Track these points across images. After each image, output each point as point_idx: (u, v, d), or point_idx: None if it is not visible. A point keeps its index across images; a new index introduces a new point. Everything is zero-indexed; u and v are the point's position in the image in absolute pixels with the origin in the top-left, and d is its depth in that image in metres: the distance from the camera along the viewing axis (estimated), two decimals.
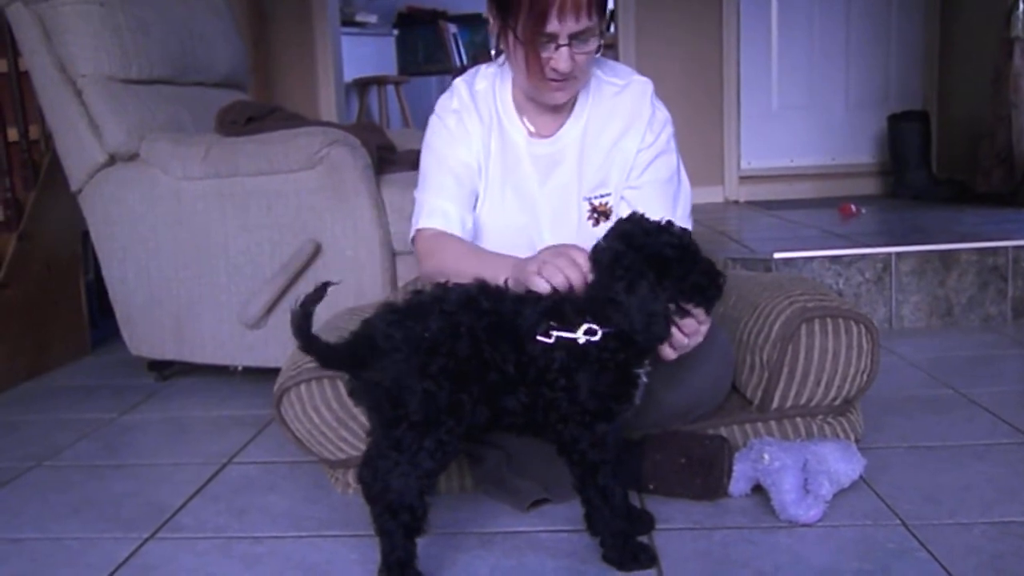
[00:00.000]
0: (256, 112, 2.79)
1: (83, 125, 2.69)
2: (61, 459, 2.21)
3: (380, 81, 6.73)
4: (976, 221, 3.69)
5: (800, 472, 1.66)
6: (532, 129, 1.89)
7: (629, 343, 1.46)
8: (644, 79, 1.91)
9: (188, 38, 3.01)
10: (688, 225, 1.87)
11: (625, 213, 1.80)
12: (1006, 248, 3.10)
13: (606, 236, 1.50)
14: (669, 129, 1.90)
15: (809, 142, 5.18)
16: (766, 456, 1.69)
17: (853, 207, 4.17)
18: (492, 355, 1.42)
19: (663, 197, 1.86)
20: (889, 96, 5.13)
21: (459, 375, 1.41)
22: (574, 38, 1.68)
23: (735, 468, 1.74)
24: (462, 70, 5.98)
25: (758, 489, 1.73)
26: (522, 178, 1.89)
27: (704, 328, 1.54)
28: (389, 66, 7.37)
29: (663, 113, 1.90)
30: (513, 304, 1.47)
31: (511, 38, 1.71)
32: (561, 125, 1.89)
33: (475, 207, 1.90)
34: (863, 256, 3.11)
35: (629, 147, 1.87)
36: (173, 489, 1.97)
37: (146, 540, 1.72)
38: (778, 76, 5.16)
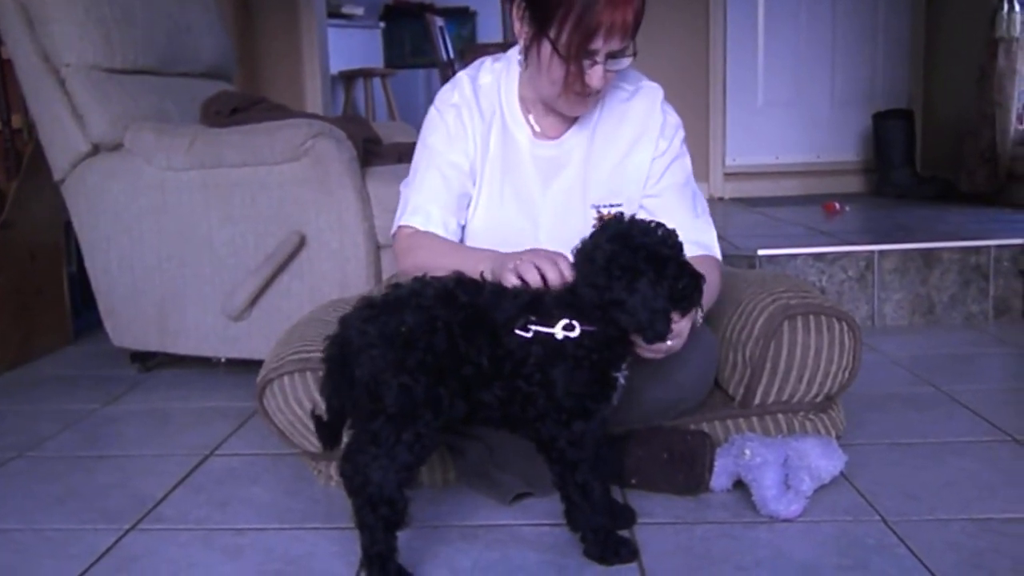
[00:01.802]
0: (241, 103, 2.78)
1: (67, 114, 2.67)
2: (44, 450, 2.20)
3: (366, 73, 6.72)
4: (959, 220, 3.71)
5: (781, 468, 1.67)
6: (538, 129, 1.86)
7: (607, 344, 1.46)
8: (654, 85, 1.89)
9: (173, 28, 3.00)
10: (711, 224, 1.88)
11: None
12: (988, 247, 3.12)
13: (593, 236, 1.49)
14: (681, 134, 1.89)
15: (794, 139, 5.20)
16: (747, 452, 1.70)
17: (837, 205, 4.20)
18: (467, 348, 1.42)
19: (683, 200, 1.86)
20: (874, 94, 5.15)
21: (436, 369, 1.41)
22: (610, 56, 1.66)
23: (717, 463, 1.75)
24: (449, 63, 5.97)
25: (739, 484, 1.74)
26: (523, 180, 1.86)
27: (686, 330, 1.55)
28: (375, 58, 7.35)
29: (673, 118, 1.89)
30: (491, 297, 1.46)
31: (546, 49, 1.68)
32: (568, 128, 1.86)
33: (467, 207, 1.87)
34: (846, 254, 3.13)
35: (642, 158, 1.85)
36: (155, 480, 1.97)
37: (128, 531, 1.72)
38: (764, 73, 5.17)
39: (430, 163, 1.86)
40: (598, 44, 1.63)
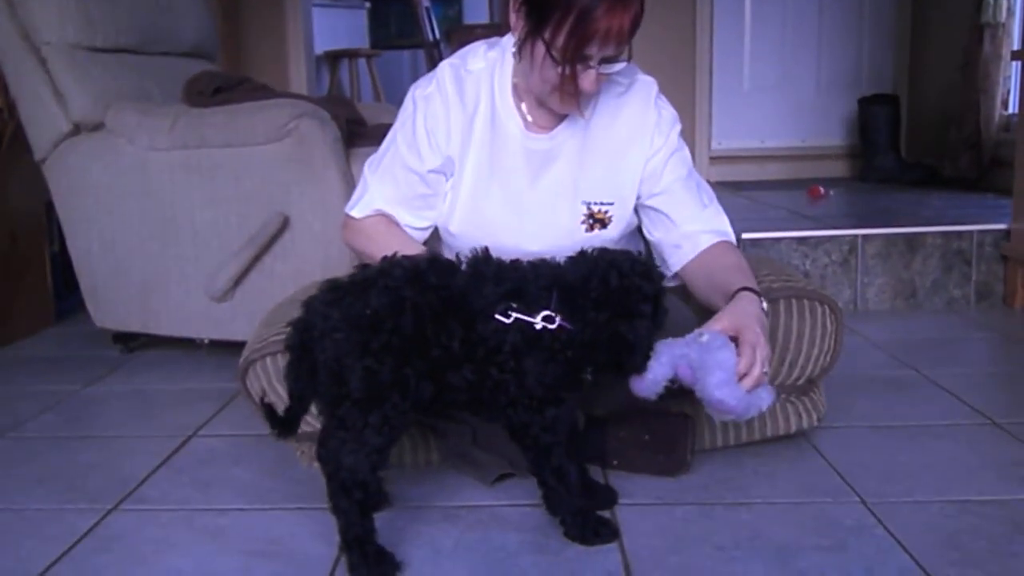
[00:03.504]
0: (224, 83, 2.76)
1: (47, 94, 2.65)
2: (25, 430, 2.19)
3: (352, 54, 6.68)
4: (942, 205, 3.73)
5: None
6: (529, 119, 1.80)
7: (580, 345, 1.45)
8: (648, 79, 1.84)
9: (155, 7, 2.98)
10: (721, 211, 1.86)
11: (659, 223, 1.80)
12: (971, 232, 3.13)
13: (625, 252, 1.50)
14: (677, 127, 1.84)
15: (780, 123, 5.19)
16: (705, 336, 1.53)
17: (822, 189, 4.21)
18: (436, 331, 1.41)
19: (688, 192, 1.82)
20: (860, 79, 5.15)
21: (402, 351, 1.39)
22: (604, 60, 1.62)
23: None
24: (434, 44, 5.94)
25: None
26: (511, 172, 1.80)
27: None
28: (361, 39, 7.31)
29: (668, 111, 1.84)
30: (469, 280, 1.45)
31: (540, 49, 1.62)
32: (560, 120, 1.79)
33: (429, 207, 1.83)
34: (830, 238, 3.14)
35: (636, 158, 1.80)
36: (137, 461, 1.96)
37: (109, 511, 1.72)
38: (750, 57, 5.17)
39: (394, 159, 1.82)
40: (592, 50, 1.58)
